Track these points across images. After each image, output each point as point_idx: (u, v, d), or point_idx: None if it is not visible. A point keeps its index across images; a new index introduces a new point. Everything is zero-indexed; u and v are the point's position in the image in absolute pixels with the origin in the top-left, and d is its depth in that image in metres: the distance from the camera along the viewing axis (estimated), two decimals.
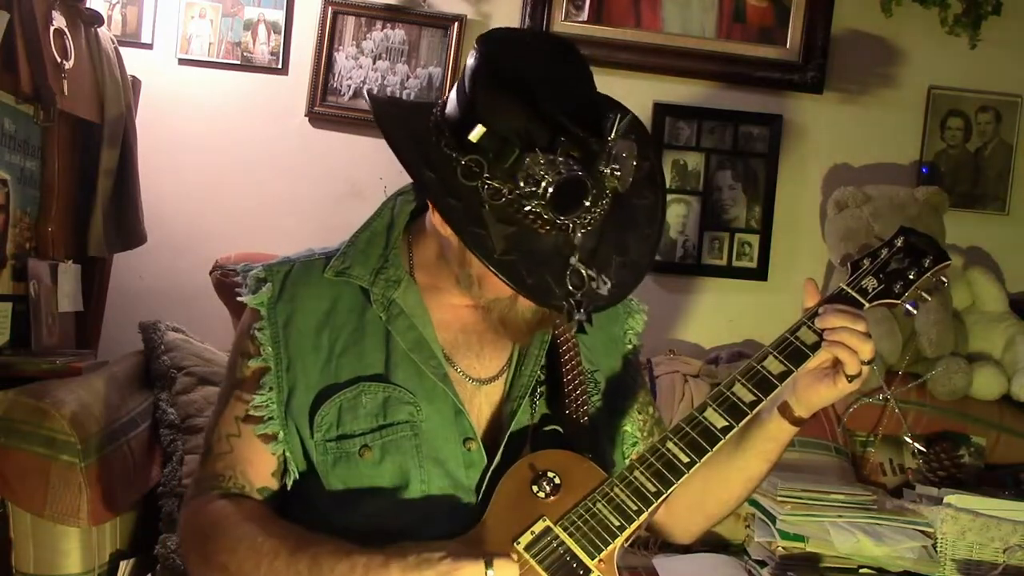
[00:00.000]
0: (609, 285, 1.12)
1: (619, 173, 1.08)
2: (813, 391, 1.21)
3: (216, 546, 1.13)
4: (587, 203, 1.07)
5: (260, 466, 1.21)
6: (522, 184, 1.06)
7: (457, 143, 1.09)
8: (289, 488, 1.23)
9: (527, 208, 1.07)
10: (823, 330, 1.20)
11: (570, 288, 1.08)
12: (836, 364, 1.20)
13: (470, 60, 1.12)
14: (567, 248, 1.09)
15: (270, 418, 1.21)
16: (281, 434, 1.21)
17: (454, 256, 1.18)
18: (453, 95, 1.13)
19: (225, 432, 1.23)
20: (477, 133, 1.07)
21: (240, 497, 1.20)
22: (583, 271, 1.09)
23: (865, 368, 1.19)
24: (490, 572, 1.02)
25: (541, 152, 1.05)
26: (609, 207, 1.11)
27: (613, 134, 1.08)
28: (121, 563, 1.69)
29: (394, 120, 1.17)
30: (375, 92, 1.23)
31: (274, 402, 1.21)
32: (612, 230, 1.14)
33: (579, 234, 1.09)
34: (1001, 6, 2.52)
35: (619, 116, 1.10)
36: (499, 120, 1.07)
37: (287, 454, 1.21)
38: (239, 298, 1.27)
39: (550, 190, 1.04)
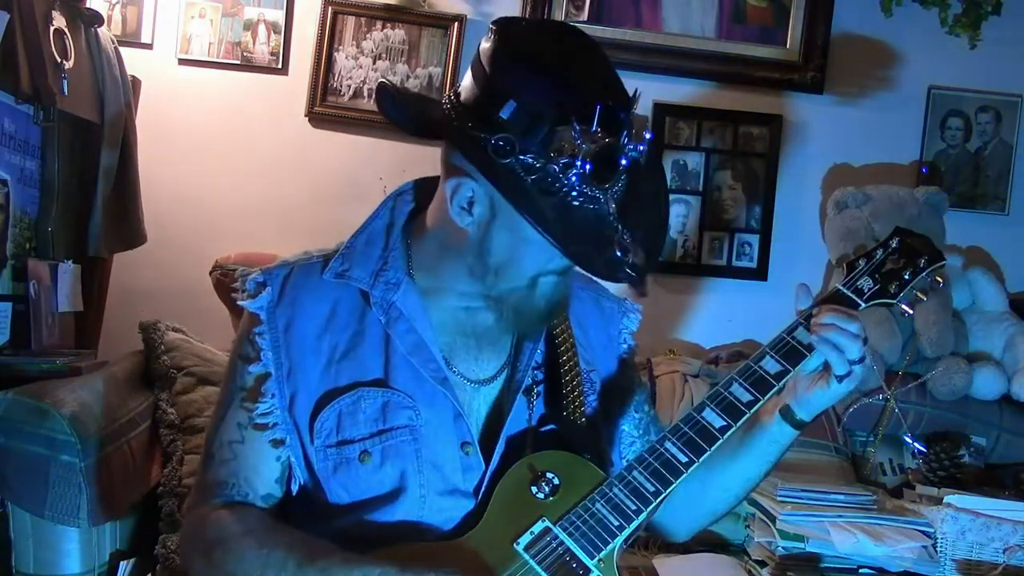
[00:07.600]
0: (641, 256, 1.11)
1: (642, 148, 1.09)
2: (811, 394, 1.21)
3: (223, 554, 1.12)
4: (623, 174, 1.08)
5: (264, 473, 1.20)
6: (555, 156, 1.06)
7: (484, 124, 1.08)
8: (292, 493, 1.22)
9: (563, 180, 1.06)
10: (814, 326, 1.19)
11: (618, 257, 1.08)
12: (827, 365, 1.20)
13: (486, 44, 1.12)
14: (605, 220, 1.09)
15: (275, 424, 1.19)
16: (288, 440, 1.19)
17: (471, 248, 1.16)
18: (469, 82, 1.13)
19: (227, 439, 1.21)
20: (509, 109, 1.07)
21: (244, 505, 1.18)
22: (627, 241, 1.09)
23: (856, 368, 1.18)
24: None
25: (574, 123, 1.05)
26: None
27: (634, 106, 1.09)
28: (121, 563, 1.69)
29: (411, 109, 1.18)
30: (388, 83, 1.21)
31: (278, 408, 1.20)
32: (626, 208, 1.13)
33: (612, 205, 1.09)
34: (1001, 6, 2.52)
35: (636, 90, 1.11)
36: (529, 94, 1.07)
37: (292, 459, 1.20)
38: (238, 303, 1.25)
39: (588, 161, 1.05)
